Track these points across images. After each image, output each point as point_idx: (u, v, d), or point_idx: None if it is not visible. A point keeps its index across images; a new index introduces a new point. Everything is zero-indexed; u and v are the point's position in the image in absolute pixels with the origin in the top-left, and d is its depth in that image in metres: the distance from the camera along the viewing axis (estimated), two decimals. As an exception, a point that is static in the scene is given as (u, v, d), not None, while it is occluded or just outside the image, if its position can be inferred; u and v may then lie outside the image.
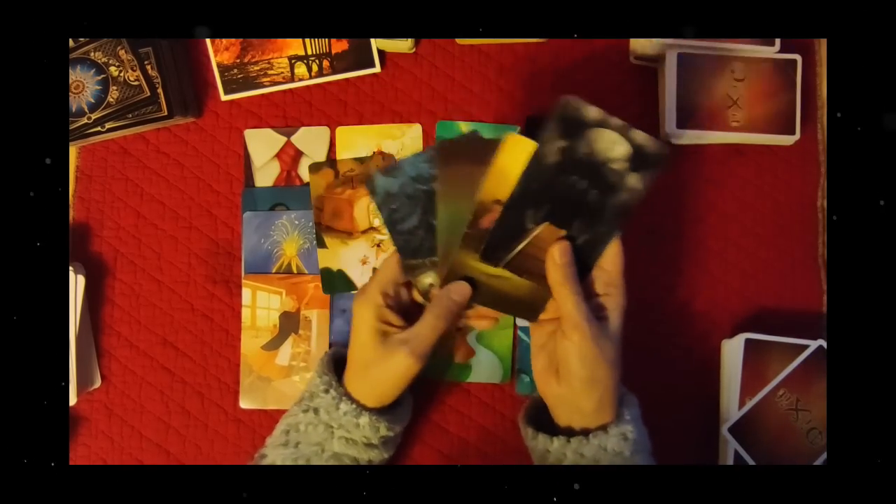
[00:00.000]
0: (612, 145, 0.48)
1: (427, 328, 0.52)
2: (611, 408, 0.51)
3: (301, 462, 0.53)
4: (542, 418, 0.55)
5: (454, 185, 0.52)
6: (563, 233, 0.51)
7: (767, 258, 0.66)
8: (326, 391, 0.54)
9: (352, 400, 0.53)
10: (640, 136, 0.49)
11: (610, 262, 0.52)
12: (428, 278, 0.54)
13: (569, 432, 0.52)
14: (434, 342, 0.52)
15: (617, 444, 0.50)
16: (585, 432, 0.51)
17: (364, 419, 0.53)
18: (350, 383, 0.54)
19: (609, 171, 0.49)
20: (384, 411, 0.55)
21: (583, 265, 0.51)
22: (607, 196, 0.49)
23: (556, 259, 0.51)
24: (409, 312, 0.55)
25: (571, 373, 0.50)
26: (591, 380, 0.50)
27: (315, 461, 0.53)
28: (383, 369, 0.52)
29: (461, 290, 0.52)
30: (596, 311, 0.51)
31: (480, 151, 0.51)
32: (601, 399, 0.51)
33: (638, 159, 0.49)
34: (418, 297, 0.56)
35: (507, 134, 0.50)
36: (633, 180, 0.49)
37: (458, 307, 0.52)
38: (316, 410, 0.54)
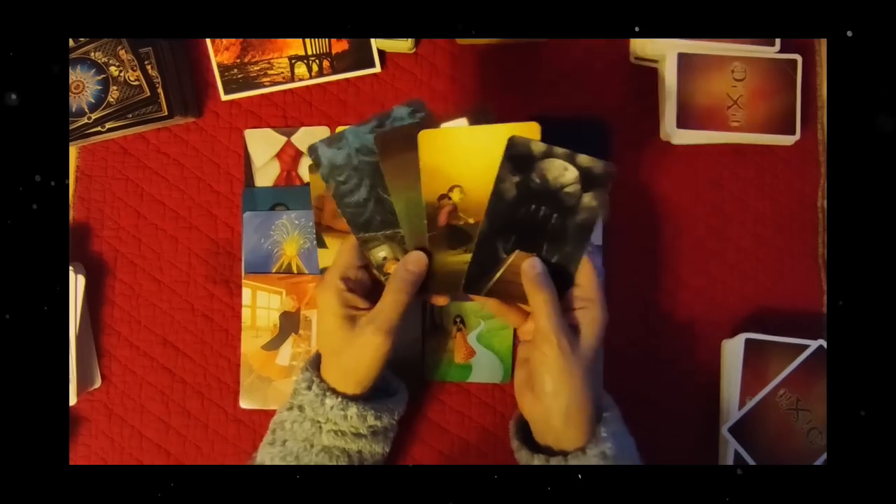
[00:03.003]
0: (562, 172, 0.52)
1: (389, 303, 0.52)
2: (582, 426, 0.51)
3: (290, 459, 0.53)
4: (529, 431, 0.55)
5: (399, 175, 0.53)
6: (534, 257, 0.53)
7: (767, 258, 0.66)
8: (309, 388, 0.54)
9: (336, 393, 0.53)
10: (585, 159, 0.52)
11: (584, 277, 0.53)
12: (381, 252, 0.54)
13: (549, 451, 0.52)
14: (399, 316, 0.52)
15: (597, 463, 0.50)
16: (564, 453, 0.51)
17: (352, 410, 0.53)
18: (327, 374, 0.55)
19: (564, 195, 0.52)
20: (370, 400, 0.55)
21: (560, 285, 0.53)
22: (567, 218, 0.53)
23: (528, 272, 0.52)
24: (372, 292, 0.55)
25: (542, 386, 0.50)
26: (558, 393, 0.50)
27: (304, 457, 0.53)
28: (354, 353, 0.52)
29: (417, 259, 0.53)
30: (571, 326, 0.51)
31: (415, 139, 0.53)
32: (568, 414, 0.50)
33: (587, 180, 0.52)
34: (378, 275, 0.55)
35: (421, 133, 0.52)
36: (588, 199, 0.52)
37: (415, 277, 0.53)
38: (300, 407, 0.54)
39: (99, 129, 0.64)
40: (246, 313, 0.66)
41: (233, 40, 0.66)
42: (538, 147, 0.51)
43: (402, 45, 0.66)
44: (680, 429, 0.64)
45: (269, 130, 0.68)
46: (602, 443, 0.50)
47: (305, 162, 0.67)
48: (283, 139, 0.67)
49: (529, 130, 0.52)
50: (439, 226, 0.53)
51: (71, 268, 0.63)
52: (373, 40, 0.66)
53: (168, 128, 0.68)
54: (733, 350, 0.62)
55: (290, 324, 0.66)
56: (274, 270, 0.66)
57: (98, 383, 0.66)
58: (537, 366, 0.51)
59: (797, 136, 0.63)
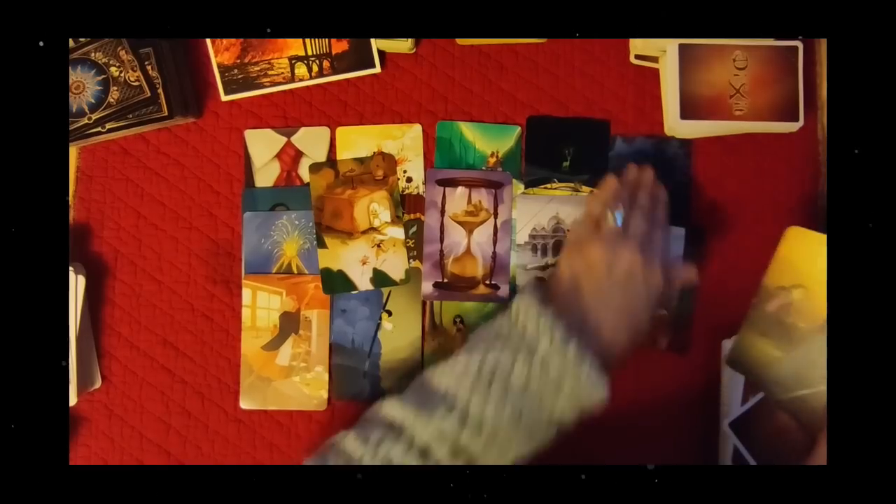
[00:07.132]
0: None
1: None
2: None
3: (505, 408, 0.48)
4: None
5: None
6: None
7: (768, 256, 0.65)
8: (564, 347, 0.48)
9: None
10: None
11: None
12: None
13: None
14: None
15: None
16: None
17: (601, 394, 0.49)
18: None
19: None
20: None
21: None
22: None
23: None
24: None
25: None
26: None
27: (517, 407, 0.48)
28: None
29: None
30: None
31: None
32: None
33: None
34: None
35: (791, 228, 0.56)
36: None
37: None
38: (545, 364, 0.48)
39: (99, 129, 0.64)
40: (246, 313, 0.66)
41: (233, 40, 0.66)
42: None
43: (402, 46, 0.66)
44: (680, 428, 0.64)
45: (269, 131, 0.68)
46: None
47: (305, 162, 0.67)
48: (283, 139, 0.67)
49: None
50: (766, 311, 0.55)
51: (71, 268, 0.63)
52: (373, 40, 0.66)
53: (168, 128, 0.68)
54: (733, 350, 0.62)
55: (290, 324, 0.66)
56: (274, 271, 0.66)
57: (98, 383, 0.66)
58: None
59: (801, 123, 0.63)
